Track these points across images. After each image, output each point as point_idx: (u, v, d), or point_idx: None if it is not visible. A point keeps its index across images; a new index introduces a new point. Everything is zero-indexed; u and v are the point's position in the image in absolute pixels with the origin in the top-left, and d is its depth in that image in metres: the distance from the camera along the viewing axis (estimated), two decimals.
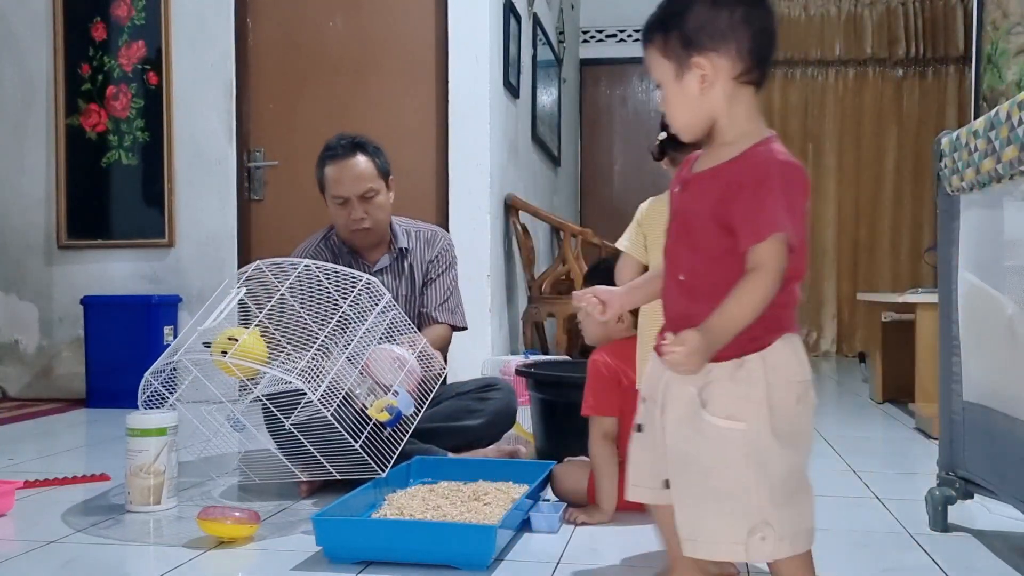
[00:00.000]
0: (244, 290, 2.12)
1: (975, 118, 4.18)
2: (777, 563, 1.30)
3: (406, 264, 2.66)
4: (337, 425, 1.99)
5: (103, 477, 2.44)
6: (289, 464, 2.17)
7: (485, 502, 2.06)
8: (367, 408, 2.08)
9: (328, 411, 1.97)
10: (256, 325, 2.08)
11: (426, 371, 2.22)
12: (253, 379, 2.12)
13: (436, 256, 2.68)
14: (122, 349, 3.82)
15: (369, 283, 2.14)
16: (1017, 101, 1.52)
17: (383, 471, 2.07)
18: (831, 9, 6.20)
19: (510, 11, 4.27)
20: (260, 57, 4.18)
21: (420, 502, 2.06)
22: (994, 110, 1.64)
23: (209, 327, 2.03)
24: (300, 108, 4.15)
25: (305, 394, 1.98)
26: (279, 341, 2.16)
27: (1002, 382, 1.69)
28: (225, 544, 1.86)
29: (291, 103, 4.16)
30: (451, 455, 2.43)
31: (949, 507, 1.97)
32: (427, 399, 2.22)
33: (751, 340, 1.24)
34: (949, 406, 2.00)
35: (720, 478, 1.25)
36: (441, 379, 2.29)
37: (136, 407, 2.15)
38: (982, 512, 2.04)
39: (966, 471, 1.93)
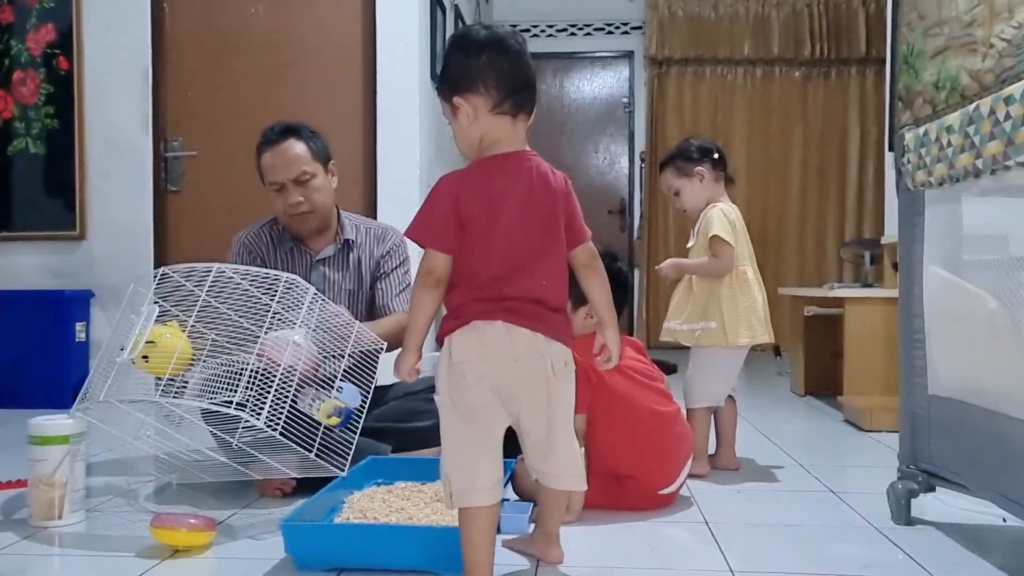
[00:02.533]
0: (157, 308, 1.99)
1: (890, 118, 4.32)
2: (459, 511, 1.52)
3: (352, 257, 2.59)
4: (287, 442, 1.89)
5: (20, 483, 2.24)
6: (240, 468, 2.04)
7: None
8: (315, 415, 2.00)
9: (276, 432, 1.86)
10: (174, 321, 1.99)
11: (364, 347, 2.17)
12: (180, 375, 2.01)
13: (388, 252, 2.63)
14: (30, 346, 3.60)
15: (291, 282, 2.04)
16: (1003, 96, 1.54)
17: (343, 471, 2.00)
18: (739, 9, 6.32)
19: (437, 2, 4.17)
20: (178, 43, 3.99)
21: (381, 504, 2.00)
22: (972, 105, 1.66)
23: (124, 360, 1.92)
24: (221, 97, 3.97)
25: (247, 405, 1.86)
26: (218, 341, 2.06)
27: (983, 377, 1.71)
28: (181, 553, 1.75)
29: (211, 91, 3.98)
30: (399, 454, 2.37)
31: (912, 500, 2.00)
32: (370, 382, 2.16)
33: (443, 327, 1.52)
34: (911, 400, 2.03)
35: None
36: (381, 353, 2.22)
37: (44, 408, 2.01)
38: (937, 505, 2.07)
39: (931, 464, 1.96)
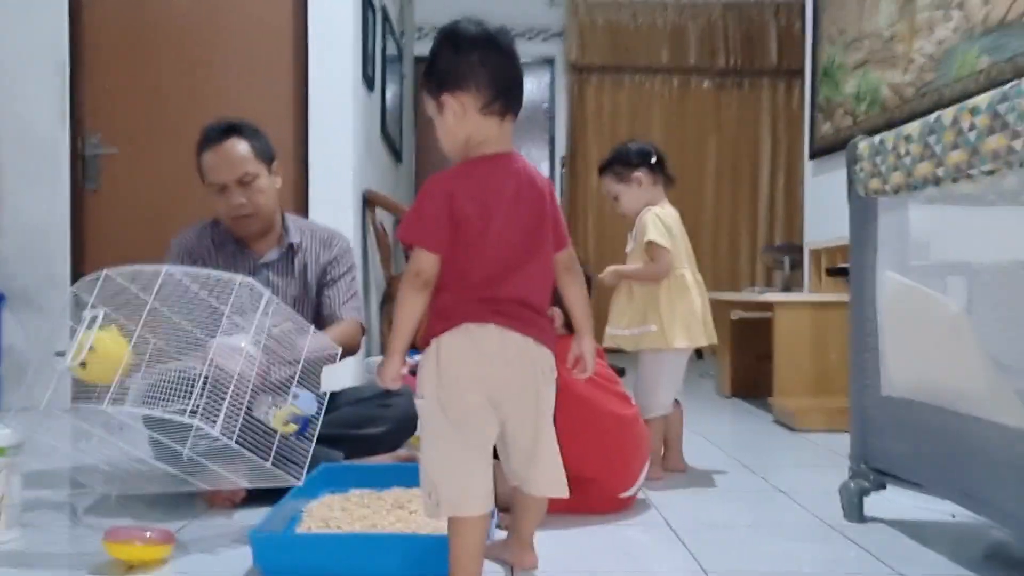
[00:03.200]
0: (102, 312, 1.89)
1: (810, 127, 4.47)
2: (448, 521, 1.49)
3: (296, 261, 2.50)
4: (244, 452, 1.82)
5: None
6: (188, 478, 1.95)
7: (410, 510, 1.99)
8: (271, 422, 1.93)
9: (231, 440, 1.79)
10: (114, 326, 1.89)
11: (318, 354, 2.10)
12: (121, 382, 1.91)
13: (335, 258, 2.54)
14: None
15: (246, 286, 1.97)
16: (968, 107, 1.60)
17: (299, 480, 1.94)
18: (657, 19, 6.45)
19: (368, 2, 4.10)
20: (98, 34, 3.80)
21: (343, 513, 1.96)
22: (933, 115, 1.72)
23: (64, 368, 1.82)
24: (143, 91, 3.81)
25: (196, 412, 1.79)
26: (161, 347, 1.97)
27: (940, 378, 1.77)
28: (137, 569, 1.67)
29: (133, 85, 3.81)
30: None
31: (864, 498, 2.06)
32: (318, 389, 2.10)
33: (429, 329, 1.49)
34: (862, 401, 2.09)
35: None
36: (335, 360, 2.16)
37: None
38: (883, 502, 2.11)
39: (883, 463, 2.02)
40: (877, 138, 1.97)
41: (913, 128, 1.80)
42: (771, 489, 2.39)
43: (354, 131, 3.80)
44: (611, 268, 2.61)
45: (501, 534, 1.80)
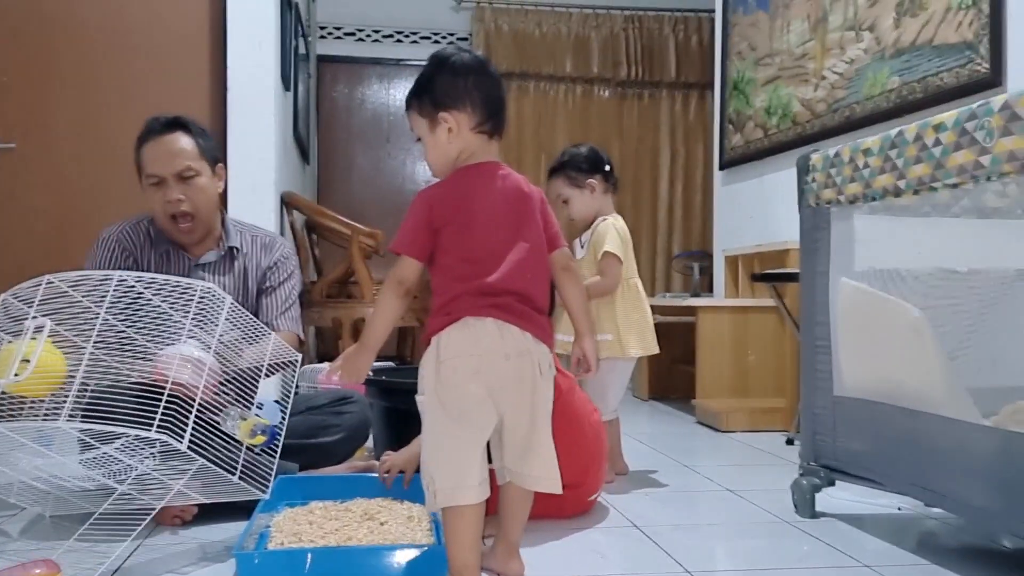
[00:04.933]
0: (49, 322, 1.77)
1: (720, 138, 4.63)
2: (443, 511, 1.55)
3: (236, 265, 2.40)
4: (210, 466, 1.73)
5: None
6: (136, 494, 1.84)
7: (381, 521, 1.95)
8: (236, 434, 1.85)
9: (196, 454, 1.71)
10: (49, 337, 1.74)
11: (282, 361, 2.05)
12: (54, 395, 1.80)
13: (275, 263, 2.44)
14: None
15: (208, 292, 1.89)
16: (932, 123, 1.70)
17: (265, 493, 1.86)
18: (562, 28, 6.53)
19: (286, 0, 4.00)
20: None
21: (311, 527, 1.90)
22: (895, 131, 1.82)
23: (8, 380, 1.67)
24: (45, 84, 3.60)
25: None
26: (98, 355, 1.85)
27: (897, 378, 1.87)
28: None
29: (34, 77, 3.59)
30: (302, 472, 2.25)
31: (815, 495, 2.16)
32: (288, 396, 2.04)
33: (430, 328, 1.56)
34: (813, 402, 2.18)
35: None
36: (297, 367, 2.11)
37: None
38: (826, 498, 2.20)
39: (835, 461, 2.12)
40: (831, 151, 2.06)
41: (873, 142, 1.89)
42: (719, 489, 2.46)
43: (275, 131, 3.69)
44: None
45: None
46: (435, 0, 6.46)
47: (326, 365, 3.14)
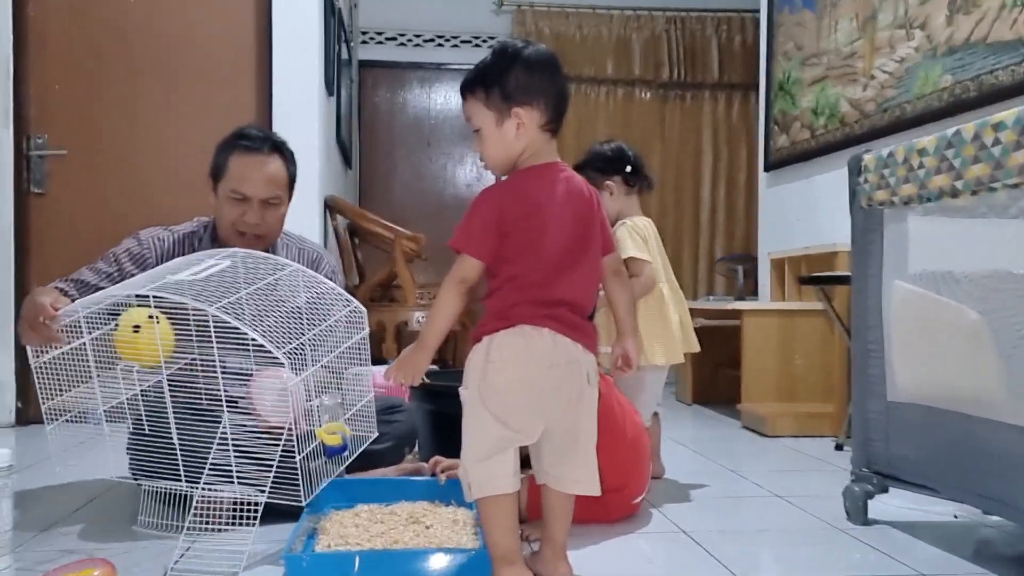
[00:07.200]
0: (228, 263, 1.79)
1: (765, 140, 4.57)
2: (478, 502, 1.57)
3: None
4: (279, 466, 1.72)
5: None
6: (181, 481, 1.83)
7: (427, 524, 1.94)
8: (316, 424, 1.84)
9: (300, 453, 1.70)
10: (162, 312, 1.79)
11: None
12: (153, 368, 1.83)
13: None
14: None
15: (356, 311, 1.91)
16: (991, 123, 1.65)
17: (304, 500, 1.79)
18: (603, 30, 6.50)
19: (329, 5, 4.03)
20: (44, 29, 3.63)
21: (357, 529, 1.90)
22: (951, 130, 1.77)
23: (182, 279, 1.68)
24: (94, 91, 3.66)
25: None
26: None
27: (957, 383, 1.83)
28: None
29: (83, 85, 3.65)
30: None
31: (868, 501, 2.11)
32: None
33: (483, 326, 1.55)
34: (866, 407, 2.13)
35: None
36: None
37: None
38: (878, 505, 2.15)
39: (887, 467, 2.07)
40: (885, 151, 2.02)
41: (928, 142, 1.85)
42: (768, 495, 2.42)
43: (319, 136, 3.72)
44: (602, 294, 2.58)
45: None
46: (476, 4, 6.47)
47: (377, 368, 3.14)
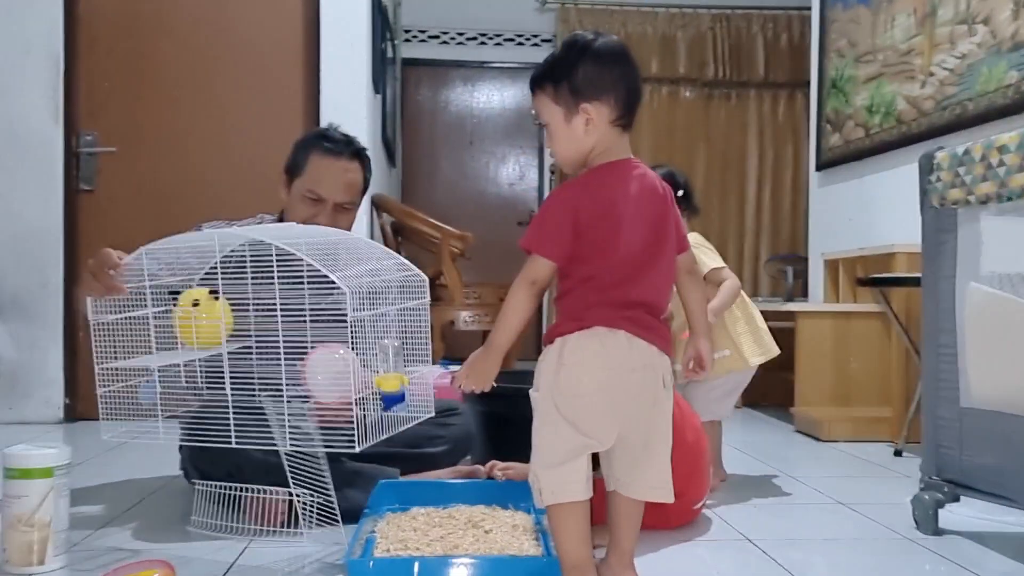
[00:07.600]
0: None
1: (817, 139, 4.48)
2: (548, 509, 1.52)
3: None
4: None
5: None
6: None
7: (486, 529, 1.89)
8: (375, 373, 1.79)
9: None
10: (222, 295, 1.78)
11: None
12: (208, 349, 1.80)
13: None
14: None
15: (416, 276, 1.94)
16: None
17: (357, 447, 1.69)
18: (647, 29, 6.44)
19: (377, 1, 4.02)
20: (94, 28, 3.65)
21: (415, 533, 1.85)
22: None
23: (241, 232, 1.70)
24: (143, 89, 3.67)
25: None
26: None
27: None
28: None
29: (132, 83, 3.67)
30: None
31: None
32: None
33: (556, 327, 1.50)
34: (937, 413, 2.06)
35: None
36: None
37: None
38: (947, 514, 2.07)
39: (960, 476, 2.00)
40: (960, 148, 1.95)
41: (1009, 138, 1.78)
42: (830, 501, 2.36)
43: (366, 134, 3.71)
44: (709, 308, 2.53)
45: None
46: (519, 2, 6.44)
47: (442, 369, 3.10)
